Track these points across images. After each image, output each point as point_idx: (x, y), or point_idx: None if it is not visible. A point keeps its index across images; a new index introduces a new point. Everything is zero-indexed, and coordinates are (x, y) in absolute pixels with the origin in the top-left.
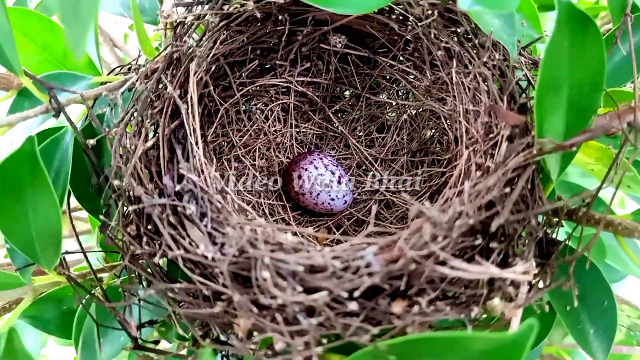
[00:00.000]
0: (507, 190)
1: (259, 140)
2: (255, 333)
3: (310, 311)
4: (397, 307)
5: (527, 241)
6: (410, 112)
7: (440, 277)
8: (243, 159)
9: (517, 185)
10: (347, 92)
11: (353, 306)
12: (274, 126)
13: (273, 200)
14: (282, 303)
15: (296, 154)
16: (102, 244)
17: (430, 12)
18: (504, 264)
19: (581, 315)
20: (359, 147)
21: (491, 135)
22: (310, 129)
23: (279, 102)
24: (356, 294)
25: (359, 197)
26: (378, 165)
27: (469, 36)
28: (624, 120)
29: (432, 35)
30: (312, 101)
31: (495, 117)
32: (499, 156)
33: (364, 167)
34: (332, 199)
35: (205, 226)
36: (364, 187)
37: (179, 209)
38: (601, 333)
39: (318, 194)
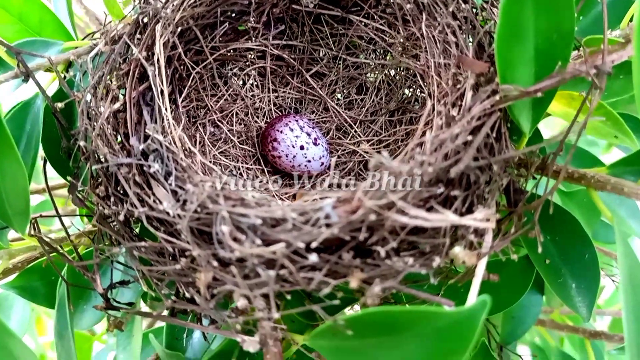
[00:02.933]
0: (471, 138)
1: (235, 105)
2: (216, 290)
3: (271, 264)
4: (354, 281)
5: (490, 189)
6: (388, 71)
7: (401, 228)
8: (220, 123)
9: (479, 133)
10: (322, 54)
11: (313, 258)
12: (252, 91)
13: (251, 165)
14: (242, 257)
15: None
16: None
17: None
18: (469, 213)
19: (562, 269)
20: (338, 109)
21: (458, 86)
22: (289, 92)
23: (255, 66)
24: (314, 244)
25: (338, 159)
26: (357, 127)
27: None
28: (592, 64)
29: None
30: (289, 64)
31: (462, 67)
32: (464, 105)
33: (343, 130)
34: (309, 161)
35: (170, 184)
36: (344, 150)
37: (145, 169)
38: (584, 287)
39: (294, 156)
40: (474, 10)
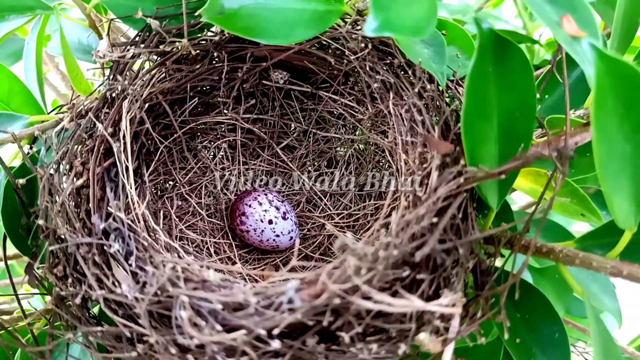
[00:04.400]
0: (436, 220)
1: (205, 178)
2: None
3: (232, 351)
4: None
5: (457, 272)
6: (357, 146)
7: (367, 312)
8: (187, 196)
9: (445, 214)
10: (293, 128)
11: (276, 345)
12: (222, 164)
13: (219, 239)
14: (201, 343)
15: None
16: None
17: (364, 45)
18: (436, 296)
19: (532, 348)
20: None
21: (424, 165)
22: (260, 165)
23: (225, 139)
24: (276, 331)
25: (308, 232)
26: (327, 200)
27: (405, 67)
28: (555, 147)
29: (368, 68)
30: (260, 138)
31: (428, 147)
32: (430, 186)
33: (313, 203)
34: (277, 236)
35: (130, 265)
36: (314, 223)
37: (106, 248)
38: None
39: (262, 231)
40: (440, 90)
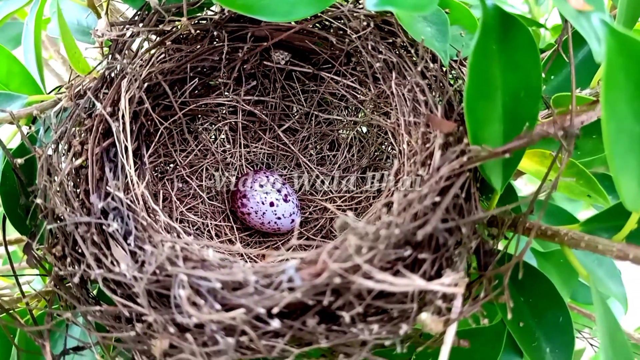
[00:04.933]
0: (439, 199)
1: (205, 160)
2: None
3: (231, 331)
4: None
5: (459, 252)
6: (360, 128)
7: (368, 291)
8: (188, 179)
9: (448, 194)
10: (295, 110)
11: (276, 324)
12: (223, 146)
13: (220, 222)
14: (200, 322)
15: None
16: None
17: (366, 24)
18: (439, 276)
19: (536, 333)
20: (310, 165)
21: (427, 145)
22: (261, 148)
23: (226, 121)
24: (275, 310)
25: (310, 215)
26: (329, 183)
27: (407, 47)
28: (560, 125)
29: (370, 48)
30: (261, 120)
31: (431, 126)
32: (433, 165)
33: (315, 186)
34: (279, 218)
35: (129, 244)
36: (316, 206)
37: (105, 227)
38: (558, 352)
39: (264, 213)
40: (443, 69)
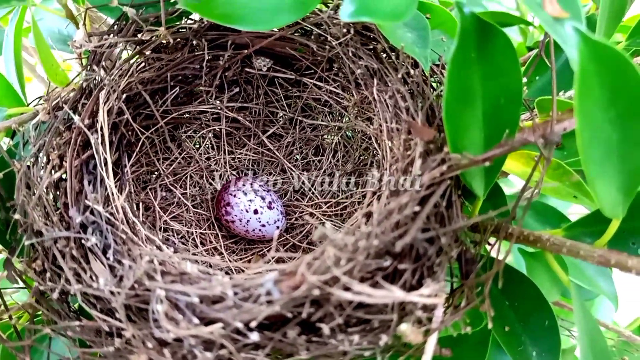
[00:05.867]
0: (419, 209)
1: (190, 168)
2: None
3: (210, 344)
4: None
5: (440, 261)
6: (345, 133)
7: (348, 303)
8: (172, 188)
9: (428, 203)
10: (279, 116)
11: (254, 337)
12: (207, 153)
13: (205, 229)
14: (178, 337)
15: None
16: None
17: (346, 30)
18: (420, 286)
19: (522, 337)
20: (295, 171)
21: (409, 152)
22: (246, 154)
23: (210, 128)
24: (253, 324)
25: (296, 222)
26: (315, 189)
27: (388, 53)
28: (541, 132)
29: (351, 54)
30: (245, 126)
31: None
32: (414, 173)
33: (300, 191)
34: (263, 225)
35: (108, 259)
36: (302, 212)
37: (83, 242)
38: (545, 355)
39: (248, 221)
40: (424, 75)
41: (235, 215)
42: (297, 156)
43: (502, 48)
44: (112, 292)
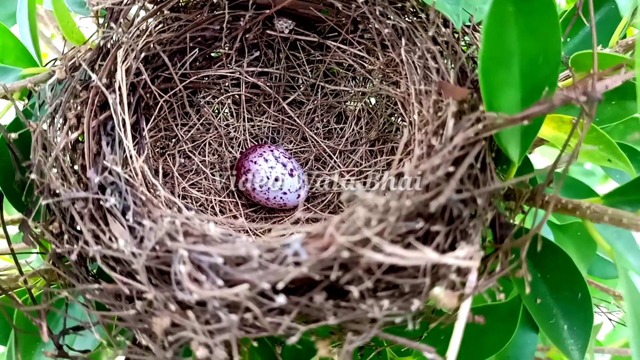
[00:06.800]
0: (453, 169)
1: (208, 134)
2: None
3: (234, 308)
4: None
5: (475, 224)
6: (368, 99)
7: (377, 266)
8: (191, 154)
9: (462, 164)
10: (300, 81)
11: (281, 300)
12: (226, 120)
13: (224, 197)
14: (202, 299)
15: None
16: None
17: None
18: (452, 250)
19: (553, 309)
20: (317, 139)
21: (439, 114)
22: (266, 122)
23: (229, 94)
24: (280, 285)
25: (317, 191)
26: (337, 157)
27: (417, 11)
28: (582, 90)
29: (378, 13)
30: (265, 93)
31: (443, 94)
32: (446, 134)
33: (322, 160)
34: (285, 193)
35: (128, 220)
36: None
37: (102, 203)
38: (576, 329)
39: (269, 189)
40: (455, 35)
41: (256, 183)
42: (319, 124)
43: (542, 3)
44: (132, 254)
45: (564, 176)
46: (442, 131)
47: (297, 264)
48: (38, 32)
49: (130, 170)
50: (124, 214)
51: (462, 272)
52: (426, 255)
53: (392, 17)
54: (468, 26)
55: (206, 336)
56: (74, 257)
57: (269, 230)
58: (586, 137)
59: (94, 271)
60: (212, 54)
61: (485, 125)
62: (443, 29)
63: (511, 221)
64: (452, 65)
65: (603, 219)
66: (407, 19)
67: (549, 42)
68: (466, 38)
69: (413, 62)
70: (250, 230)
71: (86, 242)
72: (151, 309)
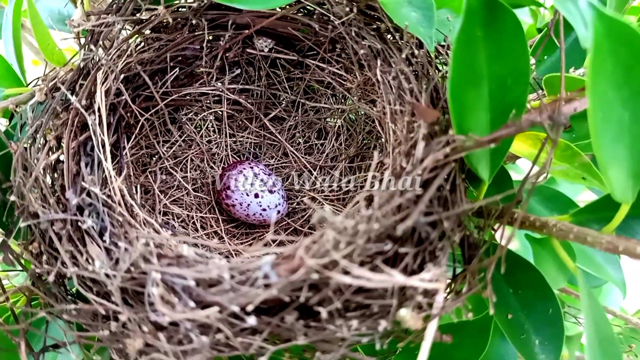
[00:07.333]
0: (421, 192)
1: (190, 151)
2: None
3: (206, 328)
4: None
5: (442, 246)
6: (348, 116)
7: (347, 287)
8: (172, 170)
9: (431, 186)
10: (281, 98)
11: (252, 321)
12: (208, 136)
13: (205, 213)
14: (174, 321)
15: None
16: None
17: (349, 9)
18: (421, 270)
19: (525, 325)
20: (298, 155)
21: (412, 135)
22: (247, 137)
23: (211, 110)
24: (250, 307)
25: (297, 206)
26: (317, 173)
27: (392, 33)
28: (548, 113)
29: (354, 34)
30: (247, 109)
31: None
32: (416, 156)
33: (303, 176)
34: (264, 209)
35: (104, 241)
36: (303, 196)
37: (80, 224)
38: (547, 344)
39: (248, 205)
40: (429, 56)
41: (236, 199)
42: (300, 140)
43: (510, 27)
44: (107, 275)
45: (530, 195)
46: (413, 152)
47: (267, 286)
48: (27, 43)
49: (109, 190)
50: (101, 235)
51: (429, 293)
52: (393, 278)
53: (367, 38)
54: (443, 46)
55: (178, 357)
56: (51, 277)
57: (250, 245)
58: (562, 155)
59: (73, 290)
60: (194, 72)
61: (454, 148)
62: (417, 51)
63: (480, 239)
64: (426, 86)
65: (569, 236)
66: (382, 39)
67: (518, 64)
68: (441, 57)
69: (388, 82)
70: (227, 248)
71: (64, 263)
72: (126, 330)
